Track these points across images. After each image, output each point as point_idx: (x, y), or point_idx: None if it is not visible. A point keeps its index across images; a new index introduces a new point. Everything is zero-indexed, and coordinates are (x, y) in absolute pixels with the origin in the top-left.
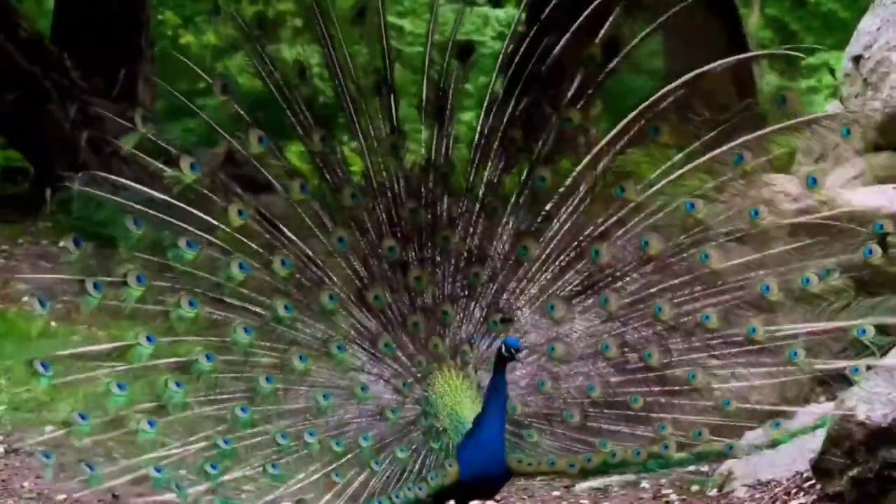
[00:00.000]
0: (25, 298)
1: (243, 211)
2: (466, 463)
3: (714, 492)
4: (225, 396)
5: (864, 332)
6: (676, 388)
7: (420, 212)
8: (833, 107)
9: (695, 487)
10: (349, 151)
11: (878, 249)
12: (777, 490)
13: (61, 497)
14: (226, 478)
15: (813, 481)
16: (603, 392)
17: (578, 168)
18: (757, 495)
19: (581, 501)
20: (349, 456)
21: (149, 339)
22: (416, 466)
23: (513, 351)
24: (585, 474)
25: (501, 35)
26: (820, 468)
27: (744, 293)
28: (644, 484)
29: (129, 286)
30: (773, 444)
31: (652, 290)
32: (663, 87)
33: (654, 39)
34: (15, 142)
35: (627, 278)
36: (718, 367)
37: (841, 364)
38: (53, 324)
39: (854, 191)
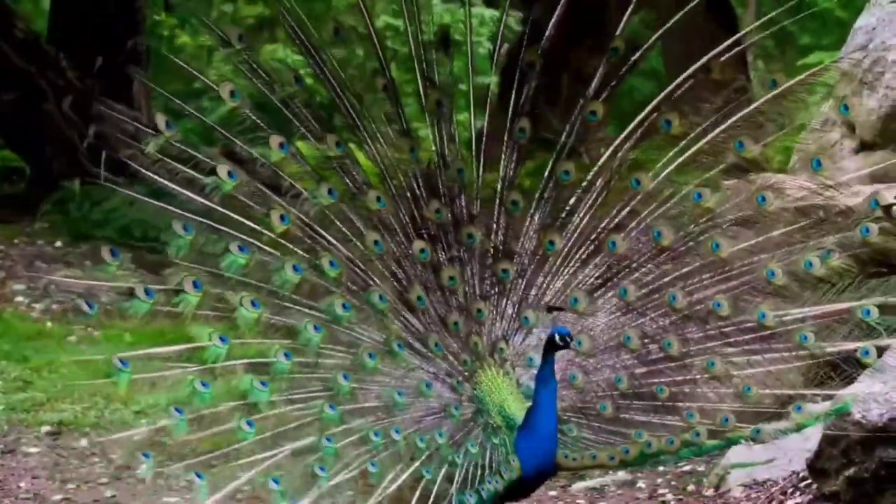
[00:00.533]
0: (20, 299)
1: (286, 216)
2: (526, 457)
3: (710, 491)
4: (308, 395)
5: (868, 312)
6: (697, 376)
7: (442, 211)
8: (828, 107)
9: (691, 487)
10: (360, 154)
11: (874, 227)
12: (773, 490)
13: (57, 497)
14: (331, 483)
15: (809, 481)
16: (630, 383)
17: (600, 161)
18: (753, 495)
19: (577, 501)
20: (429, 452)
21: (222, 339)
22: (487, 461)
23: (567, 339)
24: (625, 466)
25: (496, 35)
26: (816, 468)
27: (750, 278)
28: (640, 484)
29: (187, 293)
30: (799, 429)
31: (665, 280)
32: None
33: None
34: (11, 142)
35: (643, 269)
36: (735, 354)
37: (850, 346)
38: (49, 324)
39: (850, 189)
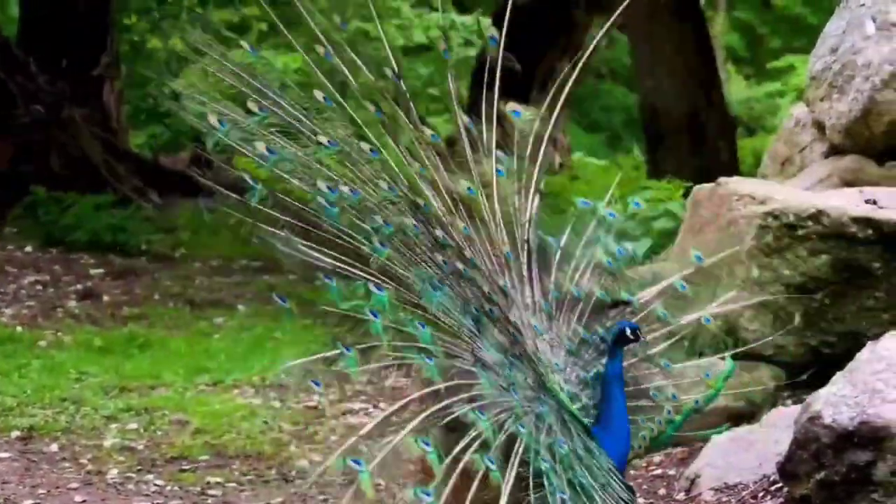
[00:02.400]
0: None
1: (383, 243)
2: (618, 458)
3: (681, 495)
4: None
5: (683, 286)
6: (633, 359)
7: (444, 236)
8: (798, 109)
9: (661, 491)
10: None
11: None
12: (744, 493)
13: (28, 503)
14: None
15: (780, 484)
16: None
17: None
18: (724, 499)
19: None
20: (577, 461)
21: (426, 442)
22: (601, 464)
23: (638, 332)
24: (646, 453)
25: (467, 42)
26: (787, 471)
27: (593, 264)
28: None
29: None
30: (715, 395)
31: (556, 276)
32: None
33: (624, 47)
34: None
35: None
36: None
37: (695, 316)
38: (19, 329)
39: (819, 194)
